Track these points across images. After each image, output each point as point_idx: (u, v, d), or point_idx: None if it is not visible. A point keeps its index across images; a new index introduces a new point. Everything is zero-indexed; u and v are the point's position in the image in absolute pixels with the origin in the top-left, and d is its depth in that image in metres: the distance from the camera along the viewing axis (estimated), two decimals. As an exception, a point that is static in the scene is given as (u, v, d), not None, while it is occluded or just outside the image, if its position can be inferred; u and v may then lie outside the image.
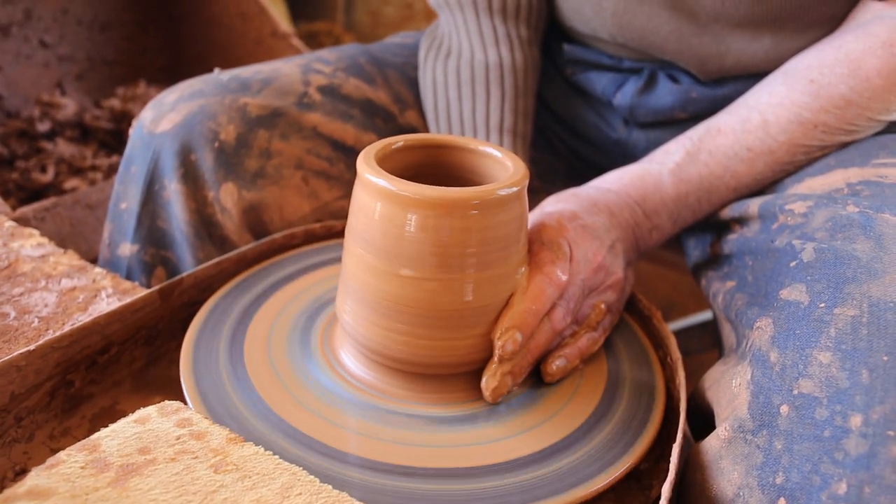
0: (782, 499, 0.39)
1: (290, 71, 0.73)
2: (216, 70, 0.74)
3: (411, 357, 0.47)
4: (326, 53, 0.79)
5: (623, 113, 0.76)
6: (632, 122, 0.77)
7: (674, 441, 0.50)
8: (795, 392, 0.41)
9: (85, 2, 1.28)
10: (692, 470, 0.46)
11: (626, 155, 0.80)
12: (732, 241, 0.59)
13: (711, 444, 0.45)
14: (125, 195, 0.68)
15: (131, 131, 0.69)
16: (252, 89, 0.69)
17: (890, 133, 0.59)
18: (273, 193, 0.67)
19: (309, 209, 0.69)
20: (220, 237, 0.66)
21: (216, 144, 0.65)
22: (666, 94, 0.71)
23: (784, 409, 0.41)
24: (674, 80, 0.72)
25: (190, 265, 0.65)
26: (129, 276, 0.67)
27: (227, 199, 0.65)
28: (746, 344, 0.47)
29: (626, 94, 0.73)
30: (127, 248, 0.67)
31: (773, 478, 0.40)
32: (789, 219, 0.51)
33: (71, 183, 1.06)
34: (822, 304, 0.42)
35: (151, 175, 0.66)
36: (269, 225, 0.67)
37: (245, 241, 0.66)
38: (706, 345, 1.18)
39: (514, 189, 0.46)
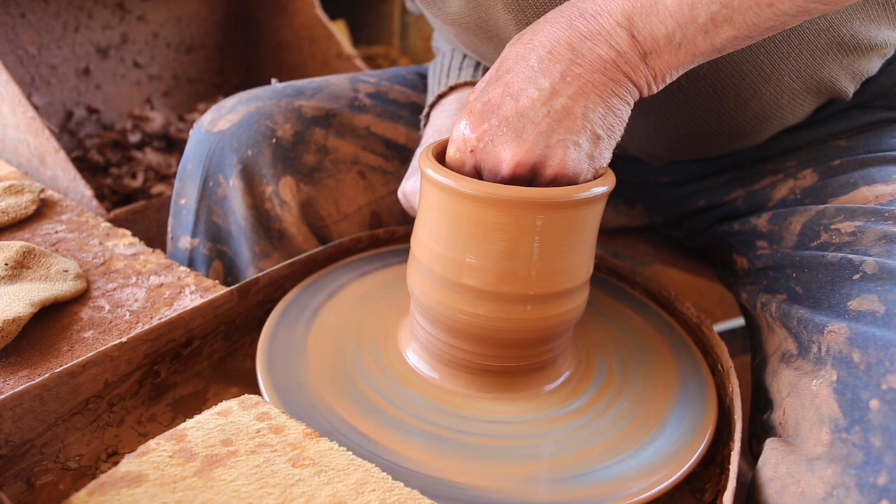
0: (885, 500, 0.34)
1: (339, 81, 0.72)
2: (273, 80, 0.73)
3: (479, 330, 0.44)
4: (370, 71, 0.78)
5: None
6: None
7: (726, 447, 0.47)
8: (884, 387, 0.37)
9: (174, 27, 1.29)
10: (771, 465, 0.41)
11: None
12: (765, 256, 0.55)
13: (798, 443, 0.41)
14: (183, 191, 0.66)
15: (191, 132, 0.67)
16: (306, 94, 0.68)
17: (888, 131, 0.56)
18: (330, 187, 0.65)
19: (364, 202, 0.67)
20: (278, 231, 0.63)
21: (273, 140, 0.63)
22: None
23: (874, 403, 0.37)
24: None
25: (246, 259, 0.63)
26: (190, 268, 0.65)
27: (286, 192, 0.63)
28: (819, 349, 0.44)
29: None
30: (187, 242, 0.65)
31: (875, 478, 0.35)
32: (834, 237, 0.50)
33: (157, 188, 1.07)
34: None
35: (206, 172, 0.64)
36: (326, 218, 0.65)
37: (303, 233, 0.64)
38: (734, 350, 1.13)
39: (600, 190, 0.42)
